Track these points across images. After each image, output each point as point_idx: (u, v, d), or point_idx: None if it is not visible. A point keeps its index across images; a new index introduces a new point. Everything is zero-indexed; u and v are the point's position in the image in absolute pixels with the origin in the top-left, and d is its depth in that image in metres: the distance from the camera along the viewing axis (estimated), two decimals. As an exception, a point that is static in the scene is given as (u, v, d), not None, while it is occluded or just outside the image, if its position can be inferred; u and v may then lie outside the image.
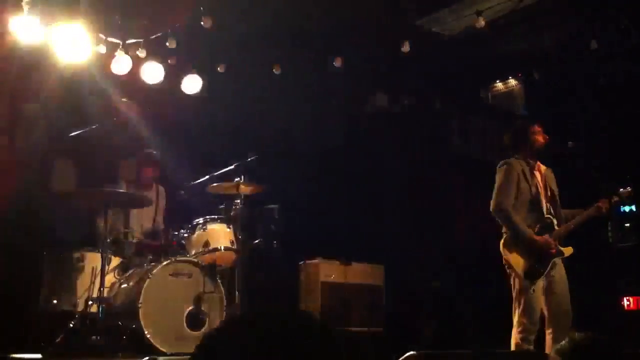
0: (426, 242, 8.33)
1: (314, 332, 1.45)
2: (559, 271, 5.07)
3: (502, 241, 5.13)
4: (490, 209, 5.14)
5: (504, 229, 5.14)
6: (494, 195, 5.15)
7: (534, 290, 4.92)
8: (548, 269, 4.98)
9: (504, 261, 5.10)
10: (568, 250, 5.10)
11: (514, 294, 5.06)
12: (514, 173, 5.15)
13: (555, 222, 5.16)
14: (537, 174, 5.27)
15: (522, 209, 5.12)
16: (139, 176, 6.66)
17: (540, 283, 4.98)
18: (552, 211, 5.20)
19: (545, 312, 5.01)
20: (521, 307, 4.96)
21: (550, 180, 5.31)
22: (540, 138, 5.26)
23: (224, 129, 7.81)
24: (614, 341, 2.44)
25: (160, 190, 6.79)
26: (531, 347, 4.90)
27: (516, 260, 5.02)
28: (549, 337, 4.97)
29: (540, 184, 5.24)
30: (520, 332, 4.93)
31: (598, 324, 6.00)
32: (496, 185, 5.17)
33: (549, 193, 5.25)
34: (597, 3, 6.54)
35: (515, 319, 5.00)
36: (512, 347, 4.96)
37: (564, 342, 2.50)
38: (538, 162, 5.32)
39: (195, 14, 6.53)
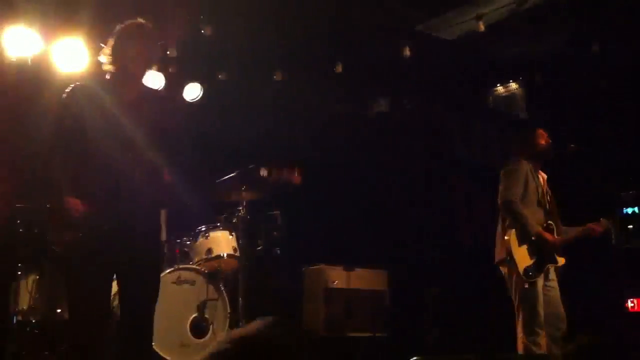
0: (430, 246, 8.31)
1: None
2: (554, 277, 5.11)
3: (511, 235, 5.06)
4: (499, 203, 5.13)
5: (507, 223, 5.12)
6: (501, 191, 5.15)
7: (527, 285, 4.93)
8: (543, 272, 4.99)
9: (504, 255, 5.06)
10: (561, 261, 5.13)
11: (515, 298, 5.05)
12: (522, 172, 5.16)
13: (555, 229, 5.17)
14: (540, 178, 5.29)
15: (529, 209, 5.13)
16: None
17: (541, 284, 4.99)
18: (551, 218, 5.22)
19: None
20: (526, 310, 4.96)
21: (548, 188, 5.35)
22: (542, 142, 5.28)
23: (225, 136, 7.81)
24: (620, 344, 2.44)
25: None
26: (539, 350, 4.89)
27: (521, 256, 5.00)
28: (545, 340, 4.97)
29: (543, 188, 5.26)
30: (527, 335, 4.93)
31: (602, 326, 5.98)
32: (503, 181, 5.17)
33: (548, 199, 5.27)
34: (598, 5, 6.53)
35: (521, 323, 4.99)
36: (520, 351, 4.94)
37: (570, 344, 2.50)
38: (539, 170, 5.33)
39: (195, 22, 6.54)
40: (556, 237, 5.14)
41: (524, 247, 5.01)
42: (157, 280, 3.96)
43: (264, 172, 5.99)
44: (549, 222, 5.16)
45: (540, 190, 5.20)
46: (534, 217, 5.11)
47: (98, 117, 3.70)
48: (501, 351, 5.33)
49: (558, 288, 5.12)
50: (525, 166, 5.20)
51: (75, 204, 3.56)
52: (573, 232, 5.29)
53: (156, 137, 3.78)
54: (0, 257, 5.95)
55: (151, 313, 3.79)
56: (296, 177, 6.53)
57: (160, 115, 3.94)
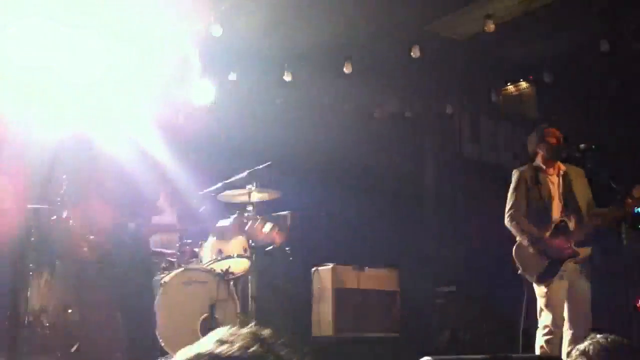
0: (440, 246, 8.31)
1: None
2: (581, 276, 5.06)
3: (514, 247, 5.16)
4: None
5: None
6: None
7: (546, 290, 4.93)
8: (561, 270, 4.97)
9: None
10: (584, 251, 5.06)
11: (537, 297, 5.07)
12: (521, 180, 5.20)
13: (570, 224, 5.13)
14: (552, 177, 5.24)
15: (532, 214, 5.14)
16: None
17: (559, 284, 4.98)
18: (568, 213, 5.18)
19: (565, 314, 5.00)
20: (544, 309, 4.97)
21: (574, 180, 5.25)
22: (553, 141, 5.25)
23: (235, 137, 7.83)
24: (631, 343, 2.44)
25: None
26: (555, 350, 4.88)
27: (526, 266, 5.04)
28: (566, 339, 4.96)
29: (554, 187, 5.22)
30: (544, 335, 4.95)
31: (613, 325, 5.95)
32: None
33: (566, 195, 5.22)
34: (607, 4, 6.51)
35: (539, 322, 5.00)
36: (537, 350, 4.96)
37: (586, 343, 2.49)
38: (558, 163, 5.28)
39: (206, 24, 6.56)
40: (572, 230, 5.09)
41: (529, 254, 5.04)
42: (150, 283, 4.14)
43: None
44: (561, 219, 5.13)
45: (547, 192, 5.17)
46: (540, 222, 5.10)
47: None
48: (512, 352, 5.32)
49: (585, 285, 5.07)
50: (526, 172, 5.21)
51: (101, 208, 3.55)
52: (602, 217, 5.17)
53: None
54: (15, 257, 5.99)
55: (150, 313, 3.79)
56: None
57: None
